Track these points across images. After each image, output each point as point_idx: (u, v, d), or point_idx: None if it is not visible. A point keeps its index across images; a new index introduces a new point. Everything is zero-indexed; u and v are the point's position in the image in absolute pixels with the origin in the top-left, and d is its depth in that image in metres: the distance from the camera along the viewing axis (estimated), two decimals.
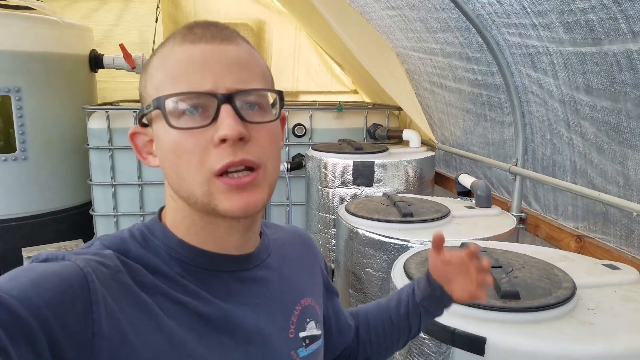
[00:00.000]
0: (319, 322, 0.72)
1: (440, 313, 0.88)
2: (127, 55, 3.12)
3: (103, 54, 3.26)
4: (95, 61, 3.24)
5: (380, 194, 2.33)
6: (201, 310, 0.57)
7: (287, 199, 3.01)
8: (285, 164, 2.90)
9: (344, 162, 2.42)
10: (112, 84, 3.72)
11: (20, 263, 2.54)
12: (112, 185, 2.90)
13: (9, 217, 2.82)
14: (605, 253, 1.58)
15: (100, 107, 2.93)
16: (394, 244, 1.67)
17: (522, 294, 1.11)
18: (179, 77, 0.56)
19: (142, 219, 2.95)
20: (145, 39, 3.34)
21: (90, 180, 2.93)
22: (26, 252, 2.57)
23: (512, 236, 1.78)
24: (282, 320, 0.66)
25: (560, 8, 1.38)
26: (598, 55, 1.36)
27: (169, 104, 0.55)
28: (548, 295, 1.12)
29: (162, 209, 0.65)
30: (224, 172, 0.55)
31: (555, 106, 1.66)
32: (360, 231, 1.76)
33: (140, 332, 0.50)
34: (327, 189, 2.47)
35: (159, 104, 0.55)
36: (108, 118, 2.82)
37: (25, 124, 2.82)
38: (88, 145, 2.88)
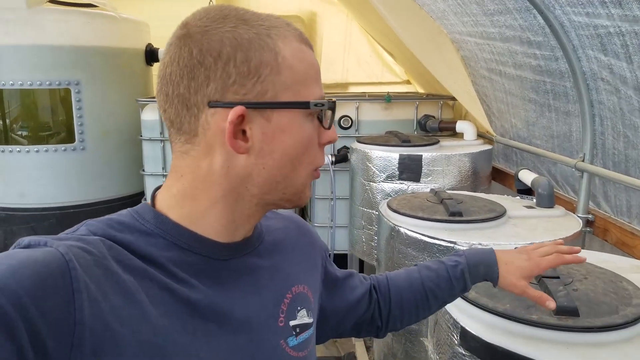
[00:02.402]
0: (310, 309, 0.70)
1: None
2: None
3: (158, 48, 3.34)
4: (151, 55, 3.33)
5: (429, 190, 2.20)
6: (189, 296, 0.55)
7: (332, 192, 2.93)
8: (329, 156, 2.82)
9: (389, 155, 2.30)
10: None
11: None
12: (163, 175, 2.96)
13: (67, 204, 2.96)
14: None
15: (153, 99, 3.00)
16: (439, 245, 1.55)
17: (581, 310, 0.96)
18: (316, 79, 0.61)
19: None
20: None
21: (143, 170, 3.01)
22: None
23: (576, 240, 1.60)
24: (272, 309, 0.64)
25: None
26: None
27: (328, 105, 0.60)
28: (613, 314, 0.97)
29: (154, 196, 0.62)
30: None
31: (629, 94, 1.46)
32: (402, 230, 1.65)
33: (124, 320, 0.49)
34: (372, 183, 2.37)
35: (330, 106, 0.61)
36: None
37: (83, 115, 2.94)
38: (141, 136, 2.96)
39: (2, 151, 2.90)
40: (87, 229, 0.55)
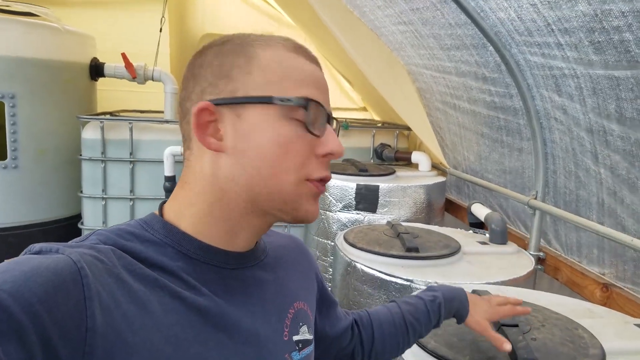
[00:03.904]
0: (311, 327, 0.72)
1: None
2: (128, 65, 3.01)
3: (104, 63, 3.16)
4: (96, 70, 3.14)
5: (385, 221, 2.16)
6: (200, 304, 0.56)
7: None
8: None
9: (346, 185, 2.25)
10: (116, 93, 3.62)
11: None
12: (103, 198, 2.76)
13: None
14: (635, 307, 1.38)
15: (95, 116, 2.82)
16: (396, 283, 1.50)
17: None
18: (299, 82, 0.60)
19: None
20: (149, 48, 3.24)
21: (81, 192, 2.80)
22: None
23: (529, 279, 1.59)
24: (277, 323, 0.65)
25: (590, 26, 1.21)
26: (634, 80, 1.19)
27: (312, 106, 0.59)
28: None
29: (162, 205, 0.64)
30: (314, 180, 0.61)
31: (582, 135, 1.48)
32: (358, 266, 1.59)
33: (136, 328, 0.50)
34: (327, 212, 2.30)
35: (306, 103, 0.59)
36: (102, 128, 2.70)
37: (17, 131, 2.69)
38: (81, 155, 2.76)
39: None
40: (97, 238, 0.55)
